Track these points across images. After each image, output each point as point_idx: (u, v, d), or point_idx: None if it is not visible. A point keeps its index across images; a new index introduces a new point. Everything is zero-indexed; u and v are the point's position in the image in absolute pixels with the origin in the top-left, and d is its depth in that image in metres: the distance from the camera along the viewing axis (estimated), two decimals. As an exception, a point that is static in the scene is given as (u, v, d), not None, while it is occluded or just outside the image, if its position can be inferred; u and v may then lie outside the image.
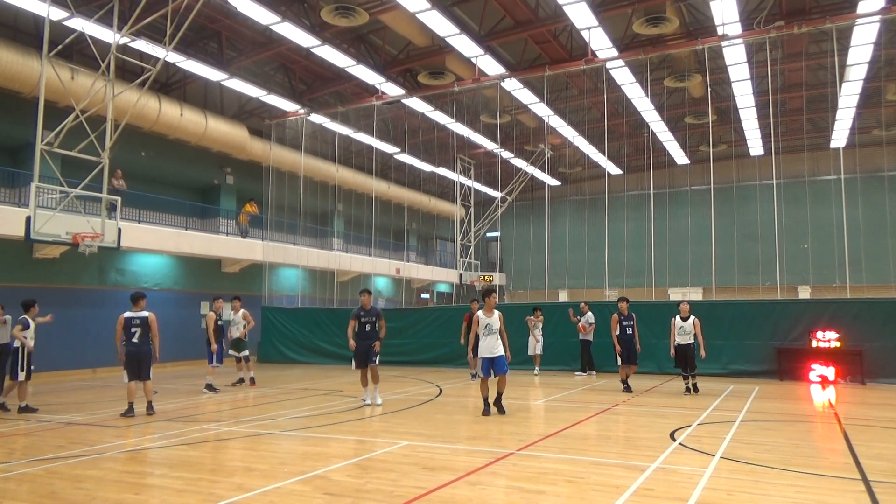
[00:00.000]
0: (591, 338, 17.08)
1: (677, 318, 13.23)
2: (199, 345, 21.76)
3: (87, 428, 9.60)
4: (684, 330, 13.13)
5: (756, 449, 7.74)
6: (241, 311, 15.18)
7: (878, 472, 6.61)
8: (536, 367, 17.41)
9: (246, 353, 15.25)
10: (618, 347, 13.57)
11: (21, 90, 17.78)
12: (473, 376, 15.50)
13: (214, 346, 14.13)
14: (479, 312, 10.61)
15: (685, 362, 13.08)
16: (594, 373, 17.06)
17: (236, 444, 8.33)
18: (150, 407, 10.70)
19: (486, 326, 10.50)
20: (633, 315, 13.83)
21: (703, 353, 13.13)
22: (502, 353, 10.45)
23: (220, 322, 14.48)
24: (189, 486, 6.21)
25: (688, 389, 13.10)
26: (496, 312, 10.58)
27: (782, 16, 19.05)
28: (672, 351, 13.28)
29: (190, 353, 21.05)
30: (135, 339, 10.63)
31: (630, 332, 13.65)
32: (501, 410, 10.49)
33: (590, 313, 17.14)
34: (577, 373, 17.14)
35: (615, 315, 13.75)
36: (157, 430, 9.34)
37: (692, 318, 13.10)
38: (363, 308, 11.66)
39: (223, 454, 7.75)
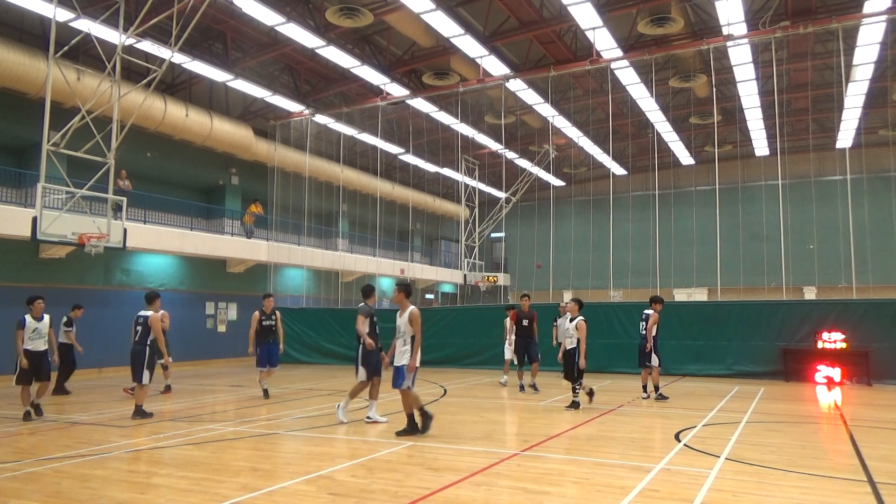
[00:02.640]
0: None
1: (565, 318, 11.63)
2: (203, 344, 21.98)
3: (93, 427, 9.64)
4: (568, 332, 11.33)
5: (761, 450, 7.73)
6: (161, 311, 14.21)
7: (883, 473, 6.59)
8: (505, 376, 15.42)
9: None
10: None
11: (27, 91, 17.85)
12: (503, 383, 15.40)
13: (251, 349, 13.09)
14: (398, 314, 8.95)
15: (569, 370, 11.26)
16: None
17: (241, 444, 8.35)
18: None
19: (397, 328, 8.84)
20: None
21: (581, 361, 11.04)
22: (404, 363, 8.62)
23: (264, 322, 13.15)
24: (194, 485, 6.24)
25: (573, 404, 11.20)
26: (408, 311, 8.70)
27: (788, 16, 18.99)
28: (559, 356, 11.59)
29: (195, 352, 21.13)
30: (135, 339, 10.50)
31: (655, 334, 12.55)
32: (407, 429, 8.69)
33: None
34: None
35: (656, 316, 12.51)
36: (163, 429, 9.37)
37: (579, 318, 11.18)
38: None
39: (228, 454, 7.77)
